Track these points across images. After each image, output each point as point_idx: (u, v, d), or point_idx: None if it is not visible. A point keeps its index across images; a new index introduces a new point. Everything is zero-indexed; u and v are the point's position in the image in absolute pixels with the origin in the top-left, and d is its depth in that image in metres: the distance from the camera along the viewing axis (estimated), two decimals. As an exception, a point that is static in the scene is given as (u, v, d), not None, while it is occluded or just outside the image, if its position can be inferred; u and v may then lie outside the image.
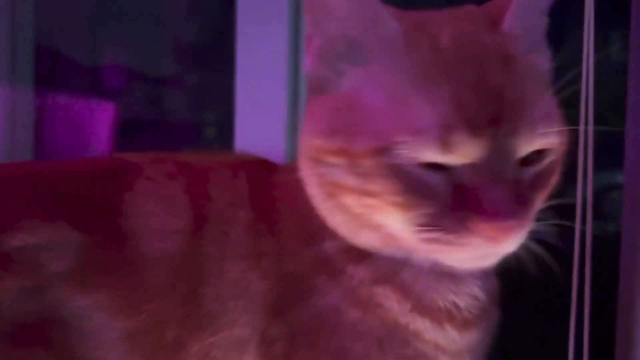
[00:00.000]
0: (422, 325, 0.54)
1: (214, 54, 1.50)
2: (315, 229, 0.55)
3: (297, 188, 0.55)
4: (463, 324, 0.55)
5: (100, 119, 1.50)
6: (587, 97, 0.52)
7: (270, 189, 0.58)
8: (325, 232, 0.54)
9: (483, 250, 0.50)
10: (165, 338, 0.51)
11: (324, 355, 0.54)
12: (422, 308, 0.54)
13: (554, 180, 0.54)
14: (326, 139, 0.51)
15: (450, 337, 0.55)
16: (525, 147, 0.49)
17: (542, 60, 0.54)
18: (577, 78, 0.98)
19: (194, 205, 0.55)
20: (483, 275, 0.57)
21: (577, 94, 0.96)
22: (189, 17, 1.58)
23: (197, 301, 0.52)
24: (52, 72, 1.49)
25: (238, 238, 0.55)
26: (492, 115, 0.48)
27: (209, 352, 0.52)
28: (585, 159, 0.52)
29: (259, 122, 1.10)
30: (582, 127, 0.54)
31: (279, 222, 0.56)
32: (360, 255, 0.54)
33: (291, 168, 0.57)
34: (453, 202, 0.48)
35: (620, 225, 0.97)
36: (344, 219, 0.53)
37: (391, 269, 0.54)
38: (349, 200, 0.51)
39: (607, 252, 0.97)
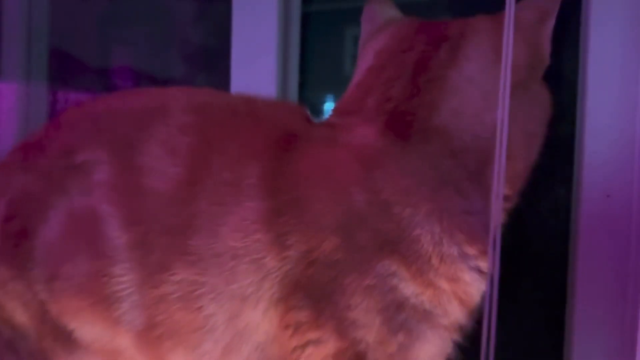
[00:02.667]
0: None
1: (221, 56, 1.53)
2: None
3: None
4: None
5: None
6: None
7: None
8: None
9: None
10: (151, 258, 0.61)
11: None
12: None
13: None
14: None
15: None
16: None
17: None
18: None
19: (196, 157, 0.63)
20: None
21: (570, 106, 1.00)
22: (196, 20, 1.61)
23: (184, 239, 0.60)
24: (64, 73, 1.54)
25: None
26: None
27: (195, 290, 0.59)
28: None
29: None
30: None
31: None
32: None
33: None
34: None
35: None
36: None
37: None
38: None
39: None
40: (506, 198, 0.67)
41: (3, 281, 0.65)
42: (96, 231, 0.62)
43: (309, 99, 1.24)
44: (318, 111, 1.24)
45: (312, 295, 0.58)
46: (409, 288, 0.59)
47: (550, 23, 0.70)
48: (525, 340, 1.06)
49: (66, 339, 0.65)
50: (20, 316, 0.65)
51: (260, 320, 0.60)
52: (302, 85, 1.21)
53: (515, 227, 0.71)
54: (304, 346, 0.60)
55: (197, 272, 0.60)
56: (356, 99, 0.71)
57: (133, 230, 0.62)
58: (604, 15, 0.96)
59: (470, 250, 0.61)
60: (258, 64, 1.17)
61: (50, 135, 0.69)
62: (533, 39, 0.69)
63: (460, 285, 0.60)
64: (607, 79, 0.97)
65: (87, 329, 0.64)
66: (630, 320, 0.92)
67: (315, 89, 1.23)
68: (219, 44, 1.56)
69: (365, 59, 0.75)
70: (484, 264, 0.61)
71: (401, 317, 0.58)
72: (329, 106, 1.25)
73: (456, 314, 0.61)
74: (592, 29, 0.97)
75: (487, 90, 0.65)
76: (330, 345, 0.59)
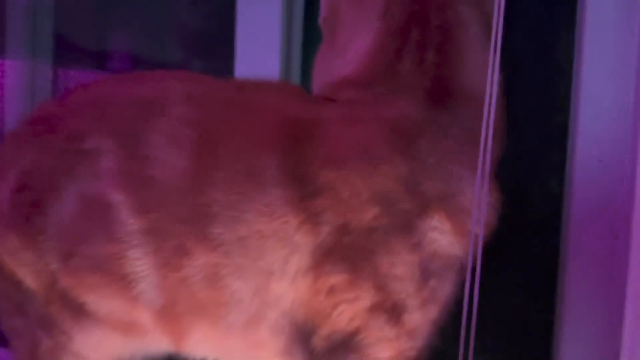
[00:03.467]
0: None
1: (218, 40, 1.54)
2: None
3: None
4: None
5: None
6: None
7: None
8: None
9: None
10: (166, 244, 0.65)
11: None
12: None
13: None
14: None
15: None
16: None
17: None
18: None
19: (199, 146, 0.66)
20: None
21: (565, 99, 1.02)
22: (193, 4, 1.61)
23: (201, 227, 0.64)
24: (66, 53, 1.54)
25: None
26: None
27: (218, 271, 0.63)
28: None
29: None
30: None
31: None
32: None
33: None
34: None
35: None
36: None
37: None
38: None
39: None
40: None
41: (14, 249, 0.69)
42: (109, 216, 0.66)
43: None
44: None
45: (348, 259, 0.63)
46: (447, 239, 0.64)
47: None
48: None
49: (76, 308, 0.68)
50: (31, 282, 0.69)
51: (287, 289, 0.64)
52: (305, 65, 1.23)
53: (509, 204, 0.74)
54: (336, 305, 0.64)
55: (220, 255, 0.64)
56: (381, 66, 0.72)
57: (144, 217, 0.65)
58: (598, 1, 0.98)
59: (495, 195, 0.68)
60: (262, 44, 1.18)
61: (58, 114, 0.72)
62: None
63: (488, 226, 0.67)
64: (603, 46, 0.98)
65: (103, 303, 0.68)
66: (618, 281, 0.94)
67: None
68: (217, 28, 1.58)
69: (361, 19, 0.75)
70: (499, 203, 0.70)
71: (435, 265, 0.64)
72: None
73: (478, 253, 0.66)
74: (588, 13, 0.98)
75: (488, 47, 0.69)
76: (367, 300, 0.64)
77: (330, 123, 0.67)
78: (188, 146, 0.66)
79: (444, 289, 0.66)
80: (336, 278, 0.63)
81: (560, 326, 1.01)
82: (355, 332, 0.65)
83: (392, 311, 0.64)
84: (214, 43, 1.55)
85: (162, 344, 0.70)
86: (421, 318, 0.66)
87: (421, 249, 0.64)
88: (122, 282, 0.66)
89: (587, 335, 0.99)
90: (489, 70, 0.62)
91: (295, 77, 1.22)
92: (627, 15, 0.96)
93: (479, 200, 0.65)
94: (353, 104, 0.70)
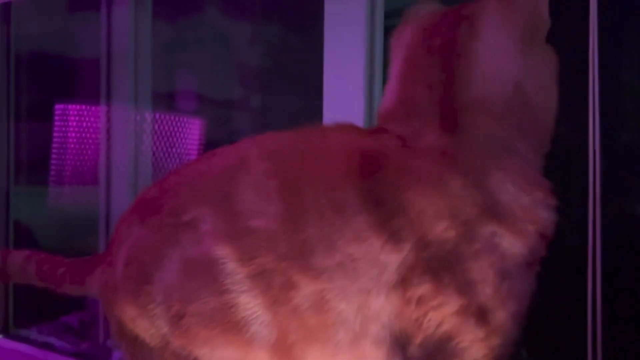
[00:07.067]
0: None
1: (275, 77, 1.64)
2: None
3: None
4: None
5: (191, 133, 1.68)
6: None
7: None
8: None
9: None
10: (274, 282, 0.72)
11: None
12: None
13: None
14: None
15: None
16: None
17: None
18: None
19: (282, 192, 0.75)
20: None
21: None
22: (252, 44, 1.70)
23: (302, 260, 0.72)
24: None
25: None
26: None
27: (324, 296, 0.72)
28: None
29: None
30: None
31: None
32: None
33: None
34: None
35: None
36: None
37: None
38: None
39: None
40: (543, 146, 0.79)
41: (132, 318, 0.79)
42: (214, 270, 0.74)
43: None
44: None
45: (430, 270, 0.71)
46: (507, 240, 0.72)
47: None
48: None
49: None
50: (149, 342, 0.79)
51: (383, 304, 0.72)
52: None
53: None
54: (425, 313, 0.72)
55: (324, 281, 0.72)
56: (402, 96, 0.81)
57: (249, 264, 0.73)
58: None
59: (538, 194, 0.74)
60: (347, 85, 1.25)
61: (157, 196, 0.82)
62: (529, 5, 0.79)
63: (540, 223, 0.74)
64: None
65: (217, 353, 0.76)
66: None
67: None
68: (273, 65, 1.65)
69: (397, 55, 0.84)
70: (550, 200, 0.75)
71: (505, 266, 0.72)
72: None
73: (540, 248, 0.75)
74: None
75: (502, 51, 0.77)
76: (452, 305, 0.71)
77: (391, 151, 0.76)
78: (274, 194, 0.74)
79: (519, 285, 0.73)
80: (423, 288, 0.71)
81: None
82: (448, 338, 0.72)
83: (478, 313, 0.71)
84: (271, 79, 1.64)
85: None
86: (504, 315, 0.72)
87: (486, 254, 0.71)
88: (235, 329, 0.73)
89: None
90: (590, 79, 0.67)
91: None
92: None
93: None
94: (401, 137, 0.77)
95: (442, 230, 0.71)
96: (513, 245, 0.72)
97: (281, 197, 0.74)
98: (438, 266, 0.71)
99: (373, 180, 0.73)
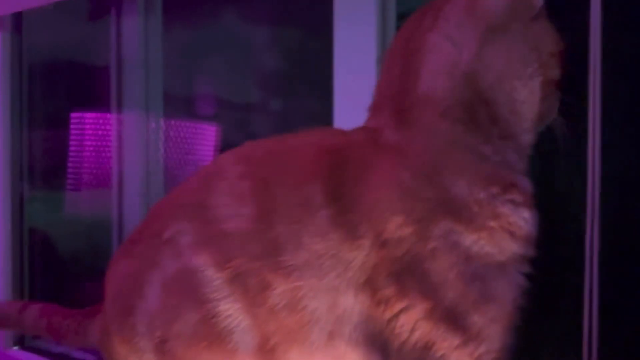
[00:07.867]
0: None
1: (294, 80, 1.61)
2: None
3: None
4: None
5: (206, 139, 1.66)
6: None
7: None
8: None
9: None
10: (250, 283, 0.71)
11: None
12: None
13: None
14: None
15: None
16: None
17: None
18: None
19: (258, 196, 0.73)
20: None
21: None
22: (270, 46, 1.69)
23: (274, 258, 0.70)
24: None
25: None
26: None
27: (297, 294, 0.69)
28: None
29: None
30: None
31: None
32: None
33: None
34: None
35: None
36: None
37: None
38: None
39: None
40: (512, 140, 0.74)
41: (125, 356, 0.78)
42: (193, 282, 0.72)
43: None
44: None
45: (394, 272, 0.68)
46: (467, 238, 0.67)
47: None
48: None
49: None
50: None
51: (353, 303, 0.69)
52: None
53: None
54: (396, 316, 0.69)
55: (295, 280, 0.70)
56: (375, 91, 0.80)
57: (226, 267, 0.71)
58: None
59: (494, 190, 0.70)
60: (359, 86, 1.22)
61: (142, 227, 0.82)
62: None
63: (503, 219, 0.69)
64: None
65: None
66: None
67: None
68: (292, 69, 1.64)
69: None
70: (513, 196, 0.70)
71: (472, 267, 0.67)
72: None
73: (512, 246, 0.69)
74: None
75: (458, 43, 0.72)
76: (418, 309, 0.68)
77: (358, 146, 0.74)
78: (248, 195, 0.72)
79: (497, 288, 0.68)
80: (389, 291, 0.68)
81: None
82: (425, 346, 0.68)
83: (447, 318, 0.67)
84: (290, 83, 1.62)
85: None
86: (481, 320, 0.68)
87: (444, 253, 0.67)
88: (218, 340, 0.71)
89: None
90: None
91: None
92: None
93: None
94: (367, 130, 0.76)
95: (396, 226, 0.68)
96: (476, 243, 0.67)
97: (254, 198, 0.72)
98: (399, 268, 0.68)
99: (337, 176, 0.71)
